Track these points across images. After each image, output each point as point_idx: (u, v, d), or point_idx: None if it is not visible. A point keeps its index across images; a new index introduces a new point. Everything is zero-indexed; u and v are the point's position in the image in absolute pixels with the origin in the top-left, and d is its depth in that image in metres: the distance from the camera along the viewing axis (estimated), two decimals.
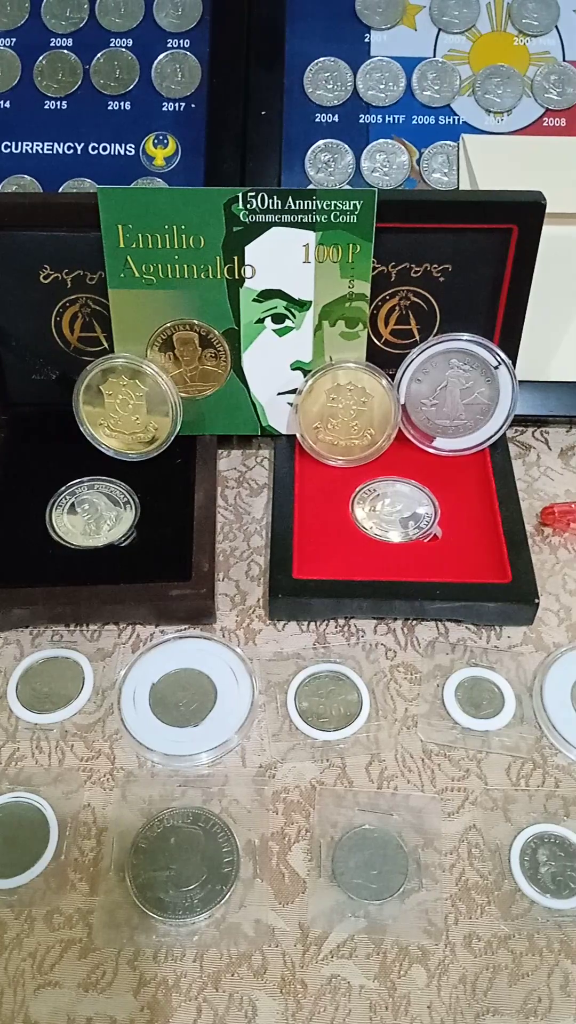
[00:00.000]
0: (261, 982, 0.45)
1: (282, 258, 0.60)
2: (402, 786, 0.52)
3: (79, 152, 0.74)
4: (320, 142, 0.74)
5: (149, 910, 0.47)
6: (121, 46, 0.75)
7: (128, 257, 0.60)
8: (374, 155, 0.74)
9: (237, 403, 0.66)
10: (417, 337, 0.65)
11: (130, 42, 0.75)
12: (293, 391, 0.65)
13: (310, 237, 0.59)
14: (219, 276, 0.61)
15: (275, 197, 0.58)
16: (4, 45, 0.75)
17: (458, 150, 0.74)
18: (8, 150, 0.74)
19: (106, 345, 0.65)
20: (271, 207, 0.58)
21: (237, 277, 0.61)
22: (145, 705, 0.56)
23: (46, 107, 0.75)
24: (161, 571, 0.59)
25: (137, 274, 0.60)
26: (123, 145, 0.74)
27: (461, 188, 0.73)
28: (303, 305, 0.62)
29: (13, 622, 0.59)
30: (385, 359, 0.64)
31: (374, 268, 0.61)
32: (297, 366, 0.64)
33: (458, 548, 0.61)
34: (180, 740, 0.54)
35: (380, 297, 0.64)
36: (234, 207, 0.58)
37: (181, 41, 0.75)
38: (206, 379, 0.65)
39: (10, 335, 0.65)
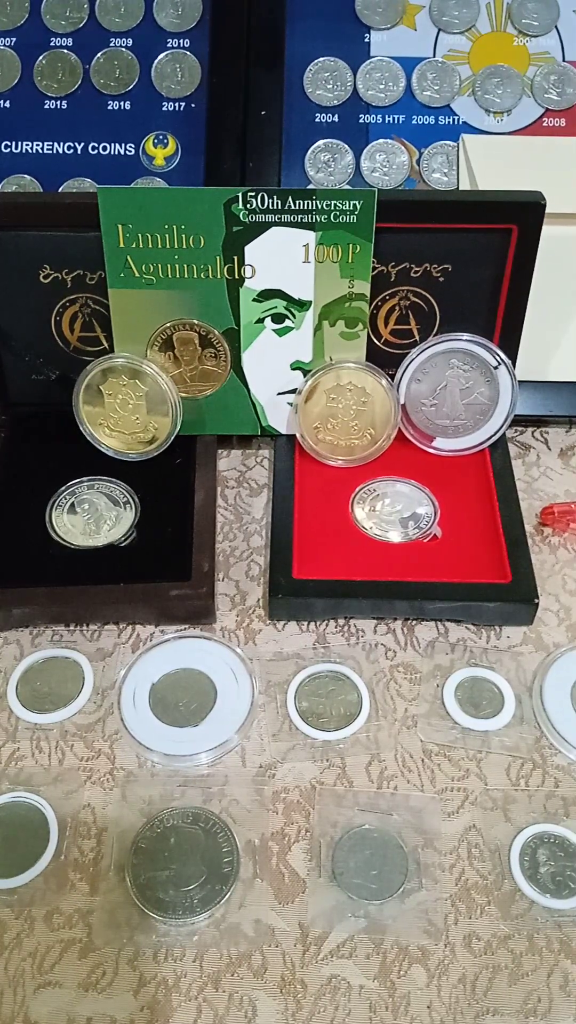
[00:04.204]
0: (261, 982, 0.45)
1: (282, 258, 0.60)
2: (402, 786, 0.52)
3: (79, 152, 0.74)
4: (320, 142, 0.74)
5: (149, 910, 0.47)
6: (121, 46, 0.75)
7: (128, 257, 0.60)
8: (374, 155, 0.74)
9: (237, 403, 0.66)
10: (417, 337, 0.65)
11: (130, 42, 0.75)
12: (293, 391, 0.65)
13: (310, 237, 0.59)
14: (219, 276, 0.61)
15: (275, 197, 0.58)
16: (4, 45, 0.75)
17: (458, 150, 0.74)
18: (8, 150, 0.74)
19: (106, 345, 0.65)
20: (271, 207, 0.58)
21: (237, 277, 0.61)
22: (145, 705, 0.56)
23: (46, 107, 0.75)
24: (161, 571, 0.59)
25: (137, 274, 0.60)
26: (123, 145, 0.74)
27: (461, 188, 0.73)
28: (303, 305, 0.62)
29: (13, 622, 0.59)
30: (385, 359, 0.64)
31: (374, 268, 0.61)
32: (297, 366, 0.64)
33: (458, 548, 0.61)
34: (180, 740, 0.54)
35: (380, 297, 0.64)
36: (234, 207, 0.58)
37: (181, 41, 0.75)
38: (206, 379, 0.65)
39: (10, 335, 0.65)
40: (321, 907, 0.48)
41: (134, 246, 0.59)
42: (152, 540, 0.62)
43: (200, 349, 0.64)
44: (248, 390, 0.65)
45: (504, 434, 0.66)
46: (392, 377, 0.63)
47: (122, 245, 0.59)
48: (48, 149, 0.74)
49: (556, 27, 0.75)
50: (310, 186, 0.74)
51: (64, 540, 0.62)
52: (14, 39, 0.75)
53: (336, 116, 0.75)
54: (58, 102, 0.75)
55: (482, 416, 0.65)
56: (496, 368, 0.63)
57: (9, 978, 0.45)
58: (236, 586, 0.62)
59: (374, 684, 0.57)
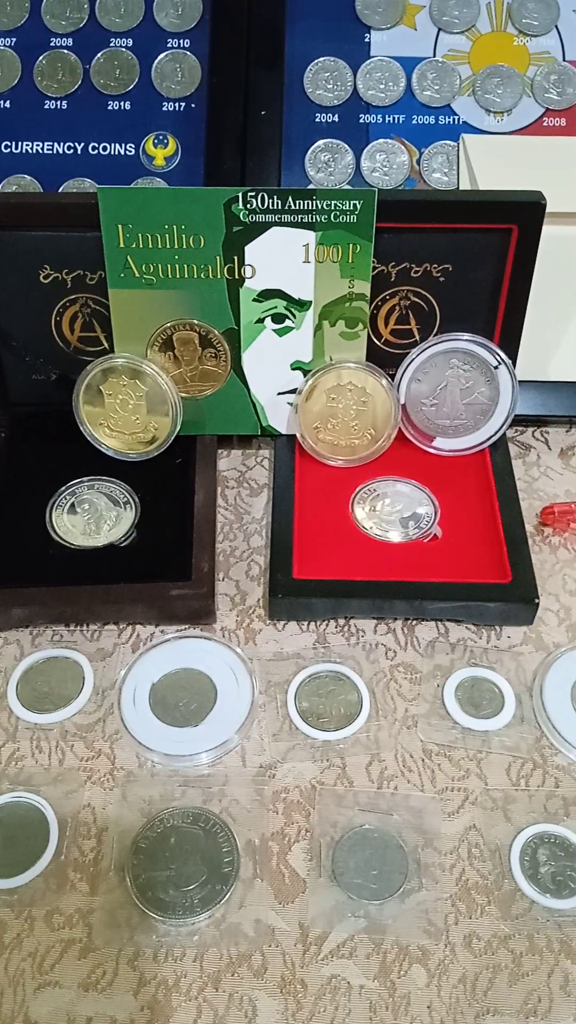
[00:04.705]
0: (261, 982, 0.45)
1: (282, 258, 0.60)
2: (402, 786, 0.52)
3: (79, 152, 0.74)
4: (320, 142, 0.74)
5: (149, 910, 0.47)
6: (121, 46, 0.75)
7: (128, 257, 0.60)
8: (374, 155, 0.74)
9: (237, 403, 0.66)
10: (417, 337, 0.65)
11: (130, 42, 0.75)
12: (293, 391, 0.65)
13: (310, 237, 0.59)
14: (219, 276, 0.61)
15: (275, 197, 0.58)
16: (4, 45, 0.75)
17: (458, 150, 0.74)
18: (8, 150, 0.74)
19: (106, 345, 0.65)
20: (271, 207, 0.58)
21: (237, 277, 0.61)
22: (145, 705, 0.56)
23: (46, 107, 0.75)
24: (161, 571, 0.59)
25: (137, 274, 0.60)
26: (123, 145, 0.75)
27: (461, 188, 0.73)
28: (303, 305, 0.62)
29: (13, 622, 0.59)
30: (385, 359, 0.64)
31: (374, 268, 0.61)
32: (297, 366, 0.64)
33: (458, 548, 0.61)
34: (180, 740, 0.54)
35: (380, 297, 0.64)
36: (234, 207, 0.58)
37: (181, 41, 0.75)
38: (206, 379, 0.65)
39: (10, 335, 0.65)
40: (321, 907, 0.48)
41: (134, 246, 0.59)
42: (152, 540, 0.62)
43: (200, 349, 0.64)
44: (248, 390, 0.65)
45: (504, 434, 0.66)
46: (392, 377, 0.63)
47: (122, 245, 0.59)
48: (48, 149, 0.74)
49: (556, 27, 0.75)
50: (310, 186, 0.74)
51: (64, 540, 0.62)
52: (14, 39, 0.75)
53: (336, 116, 0.75)
54: (58, 102, 0.75)
55: (482, 416, 0.65)
56: (496, 368, 0.63)
57: (9, 978, 0.45)
58: (236, 586, 0.62)
59: (374, 684, 0.57)
